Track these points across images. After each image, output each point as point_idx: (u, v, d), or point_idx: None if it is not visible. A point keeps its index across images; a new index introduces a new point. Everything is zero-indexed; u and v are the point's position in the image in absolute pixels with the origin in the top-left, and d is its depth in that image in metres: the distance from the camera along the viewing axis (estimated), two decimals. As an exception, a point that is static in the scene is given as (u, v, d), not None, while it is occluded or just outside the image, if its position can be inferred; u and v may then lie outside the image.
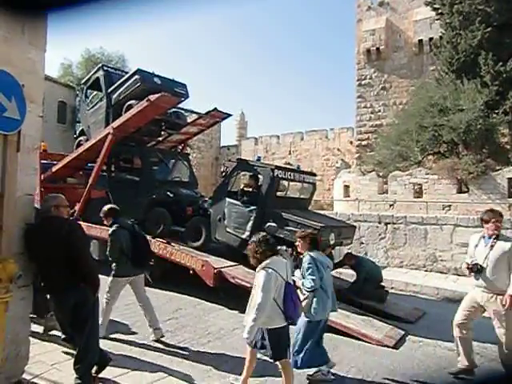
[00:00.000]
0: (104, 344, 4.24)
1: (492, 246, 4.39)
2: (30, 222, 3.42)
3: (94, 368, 3.65)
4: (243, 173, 8.30)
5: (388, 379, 4.34)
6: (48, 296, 3.73)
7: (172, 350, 4.84)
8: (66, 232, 3.37)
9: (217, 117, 9.94)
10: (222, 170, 8.24)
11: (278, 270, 3.52)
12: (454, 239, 11.16)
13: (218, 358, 4.62)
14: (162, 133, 10.35)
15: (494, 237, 4.41)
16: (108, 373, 3.81)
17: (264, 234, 3.87)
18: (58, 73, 28.59)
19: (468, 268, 4.44)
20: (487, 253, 4.38)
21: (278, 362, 3.64)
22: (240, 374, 3.78)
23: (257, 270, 3.61)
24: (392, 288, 9.54)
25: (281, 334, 3.56)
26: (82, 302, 3.46)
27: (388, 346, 5.41)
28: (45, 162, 9.84)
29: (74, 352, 3.61)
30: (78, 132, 11.20)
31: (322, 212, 11.00)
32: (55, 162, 10.31)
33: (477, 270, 4.35)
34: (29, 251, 3.35)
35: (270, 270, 3.47)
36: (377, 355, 5.07)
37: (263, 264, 3.54)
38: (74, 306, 3.44)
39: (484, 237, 4.49)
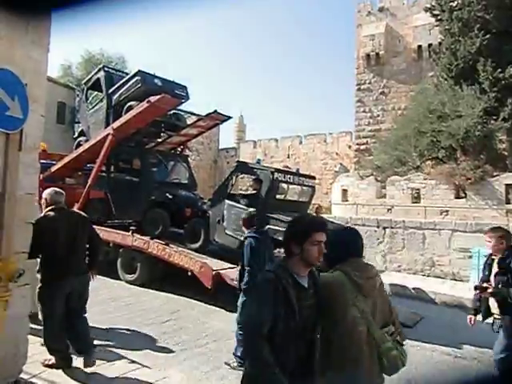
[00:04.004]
0: (99, 348, 4.24)
1: None
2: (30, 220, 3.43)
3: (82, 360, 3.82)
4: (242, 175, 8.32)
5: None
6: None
7: (170, 351, 4.83)
8: (84, 221, 4.03)
9: (217, 119, 9.95)
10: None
11: None
12: (452, 244, 11.19)
13: (215, 360, 4.61)
14: (162, 134, 10.36)
15: None
16: (106, 374, 3.80)
17: None
18: (58, 73, 28.57)
19: None
20: None
21: None
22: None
23: None
24: (390, 292, 9.55)
25: None
26: (86, 287, 3.99)
27: (386, 350, 5.41)
28: (44, 161, 9.83)
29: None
30: (77, 132, 11.19)
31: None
32: (54, 162, 10.30)
33: None
34: (42, 239, 3.53)
35: None
36: (374, 359, 5.06)
37: None
38: (81, 291, 3.92)
39: None
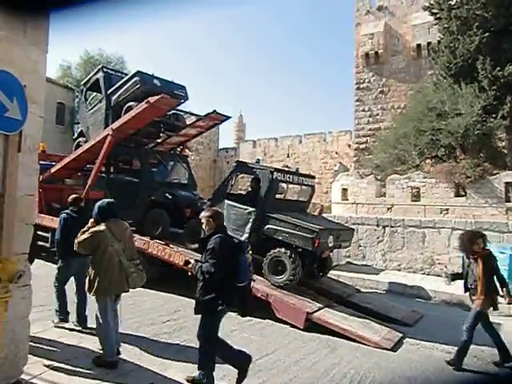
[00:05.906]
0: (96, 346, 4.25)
1: None
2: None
3: None
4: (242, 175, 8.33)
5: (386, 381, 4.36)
6: None
7: (171, 351, 4.84)
8: None
9: (216, 119, 9.95)
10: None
11: None
12: (452, 243, 11.21)
13: (216, 360, 4.61)
14: (161, 134, 10.36)
15: None
16: (106, 376, 3.81)
17: None
18: (57, 74, 28.62)
19: None
20: None
21: None
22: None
23: None
24: (390, 291, 9.58)
25: None
26: None
27: (386, 349, 5.43)
28: (43, 162, 9.83)
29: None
30: (76, 133, 11.20)
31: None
32: (54, 163, 10.31)
33: None
34: None
35: None
36: (375, 357, 5.08)
37: None
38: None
39: None
